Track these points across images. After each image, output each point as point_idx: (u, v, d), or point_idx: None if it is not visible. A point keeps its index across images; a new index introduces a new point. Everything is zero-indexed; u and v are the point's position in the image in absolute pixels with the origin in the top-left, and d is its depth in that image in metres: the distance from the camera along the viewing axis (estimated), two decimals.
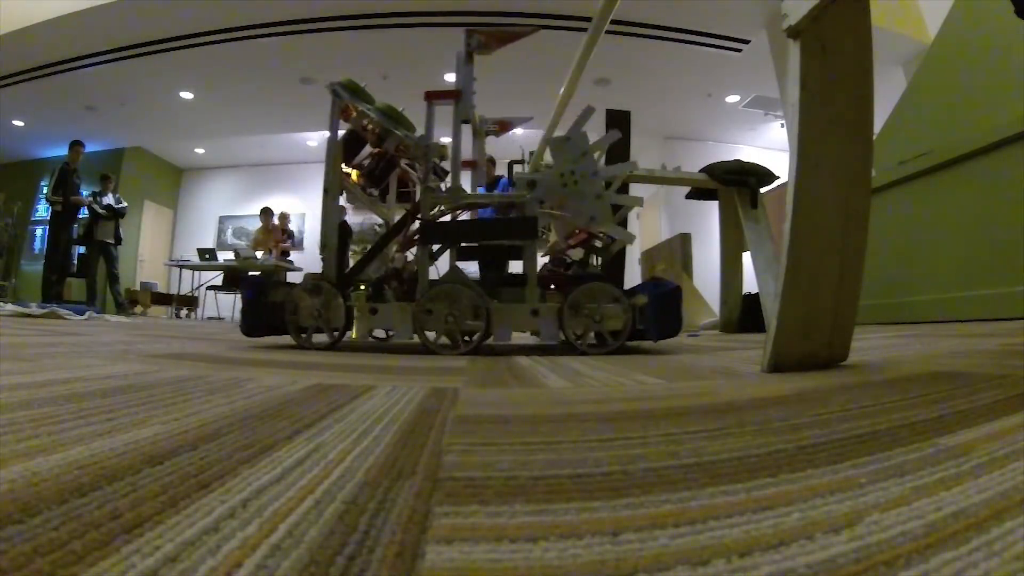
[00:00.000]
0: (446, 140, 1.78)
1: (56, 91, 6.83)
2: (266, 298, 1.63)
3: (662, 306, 1.47)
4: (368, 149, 1.92)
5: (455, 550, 0.21)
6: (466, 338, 1.53)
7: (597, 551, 0.21)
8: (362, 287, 1.70)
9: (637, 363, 1.05)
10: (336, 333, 1.57)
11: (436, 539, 0.22)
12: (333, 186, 1.70)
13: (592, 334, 1.53)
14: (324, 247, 1.69)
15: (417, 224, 1.70)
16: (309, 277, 1.66)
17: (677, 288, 1.52)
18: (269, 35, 5.78)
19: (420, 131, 1.81)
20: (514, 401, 0.59)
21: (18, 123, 7.87)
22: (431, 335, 1.49)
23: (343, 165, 1.82)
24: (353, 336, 1.69)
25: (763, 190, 2.63)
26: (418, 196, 1.77)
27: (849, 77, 0.78)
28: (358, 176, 1.93)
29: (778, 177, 3.02)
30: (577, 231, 1.80)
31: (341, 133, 1.81)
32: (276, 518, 0.23)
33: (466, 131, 1.81)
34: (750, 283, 2.55)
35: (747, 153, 7.87)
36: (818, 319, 0.80)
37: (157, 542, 0.20)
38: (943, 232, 2.38)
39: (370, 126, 1.78)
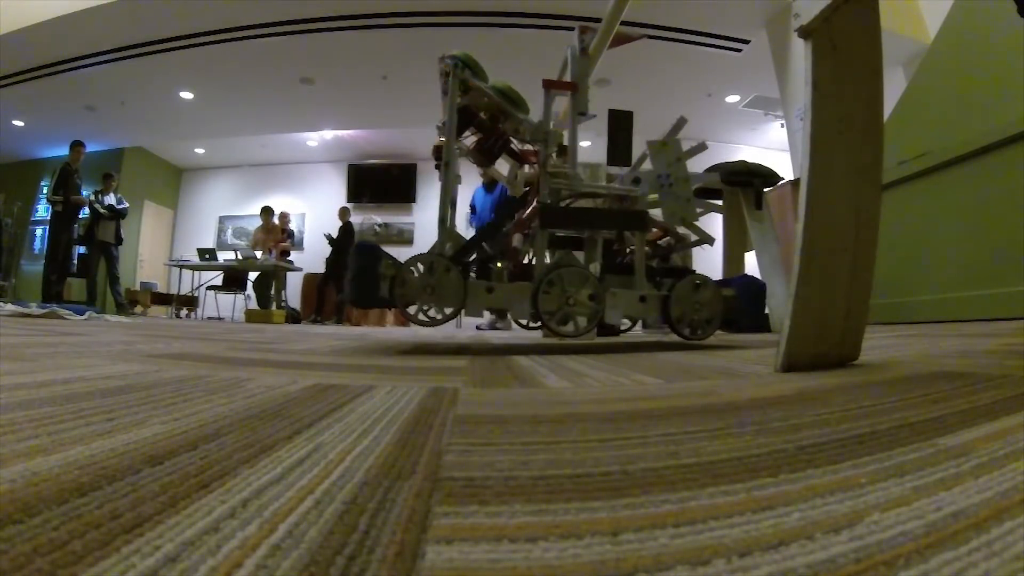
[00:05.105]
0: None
1: (56, 91, 6.83)
2: (379, 267, 1.52)
3: (751, 300, 1.57)
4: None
5: (455, 550, 0.21)
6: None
7: (597, 551, 0.21)
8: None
9: (637, 363, 1.05)
10: (449, 311, 1.51)
11: (436, 539, 0.22)
12: (453, 158, 1.68)
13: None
14: (442, 222, 1.61)
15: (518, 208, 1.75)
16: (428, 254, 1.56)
17: (763, 284, 1.63)
18: (269, 35, 5.78)
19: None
20: (514, 401, 0.59)
21: (18, 123, 7.87)
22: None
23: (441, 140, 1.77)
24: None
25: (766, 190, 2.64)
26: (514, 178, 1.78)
27: (859, 77, 0.79)
28: (468, 150, 1.90)
29: (783, 178, 3.03)
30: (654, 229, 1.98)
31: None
32: (276, 518, 0.23)
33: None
34: None
35: (747, 153, 7.88)
36: (831, 319, 0.80)
37: (157, 542, 0.20)
38: (943, 232, 2.38)
39: (487, 103, 1.76)
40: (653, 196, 1.79)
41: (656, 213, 1.89)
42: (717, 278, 1.78)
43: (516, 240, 2.03)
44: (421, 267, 1.51)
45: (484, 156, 1.84)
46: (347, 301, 1.51)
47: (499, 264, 1.80)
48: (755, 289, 1.63)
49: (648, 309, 1.60)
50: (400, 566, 0.19)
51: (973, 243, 2.21)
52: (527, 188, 2.00)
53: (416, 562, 0.20)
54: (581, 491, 0.28)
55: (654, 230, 2.06)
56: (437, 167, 2.13)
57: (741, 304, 1.63)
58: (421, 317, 1.53)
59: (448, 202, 1.64)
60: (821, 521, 0.23)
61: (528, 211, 1.84)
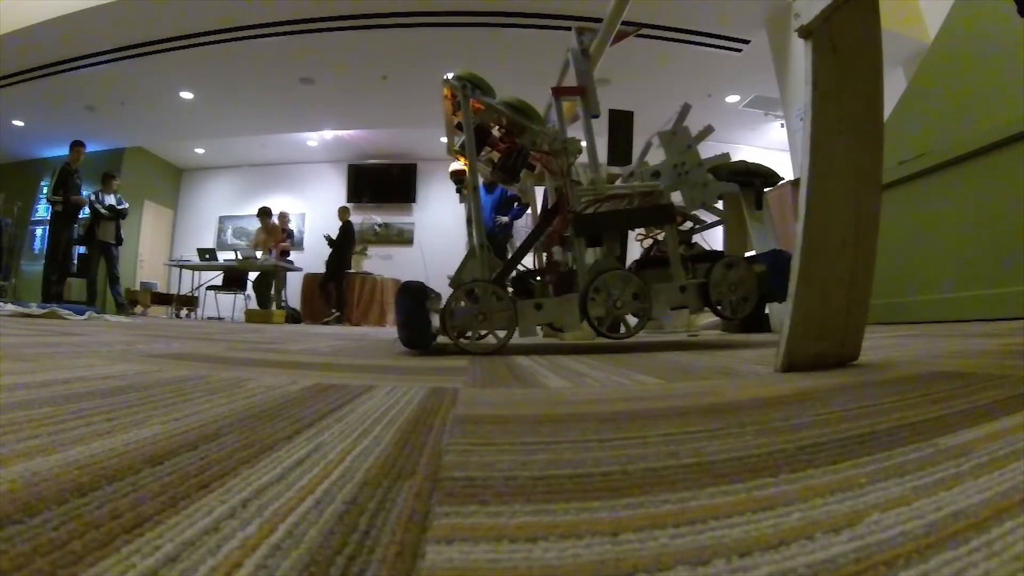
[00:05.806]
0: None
1: (56, 91, 6.83)
2: (426, 306, 1.51)
3: (782, 271, 1.60)
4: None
5: (455, 550, 0.21)
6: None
7: (597, 551, 0.21)
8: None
9: (637, 363, 1.05)
10: (503, 334, 1.49)
11: (436, 539, 0.22)
12: (477, 182, 1.68)
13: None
14: (481, 247, 1.59)
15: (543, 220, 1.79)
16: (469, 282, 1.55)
17: (790, 255, 1.63)
18: (269, 35, 5.78)
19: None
20: (514, 401, 0.59)
21: (18, 123, 7.87)
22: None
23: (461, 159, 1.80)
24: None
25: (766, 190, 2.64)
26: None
27: (859, 76, 0.78)
28: (490, 170, 1.91)
29: (783, 178, 3.03)
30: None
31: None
32: (276, 518, 0.23)
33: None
34: None
35: (747, 153, 7.87)
36: (831, 319, 0.80)
37: (157, 542, 0.20)
38: (943, 232, 2.38)
39: (503, 120, 1.75)
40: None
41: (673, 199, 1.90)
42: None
43: (557, 253, 2.02)
44: (467, 296, 1.50)
45: (506, 174, 1.83)
46: (402, 344, 1.51)
47: (538, 279, 1.82)
48: (784, 261, 1.63)
49: (689, 298, 1.61)
50: (400, 566, 0.19)
51: (973, 243, 2.21)
52: (555, 200, 2.00)
53: (416, 562, 0.20)
54: (581, 491, 0.28)
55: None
56: (458, 191, 2.14)
57: (774, 278, 1.62)
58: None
59: (481, 228, 1.63)
60: (821, 521, 0.23)
61: (556, 221, 1.82)
